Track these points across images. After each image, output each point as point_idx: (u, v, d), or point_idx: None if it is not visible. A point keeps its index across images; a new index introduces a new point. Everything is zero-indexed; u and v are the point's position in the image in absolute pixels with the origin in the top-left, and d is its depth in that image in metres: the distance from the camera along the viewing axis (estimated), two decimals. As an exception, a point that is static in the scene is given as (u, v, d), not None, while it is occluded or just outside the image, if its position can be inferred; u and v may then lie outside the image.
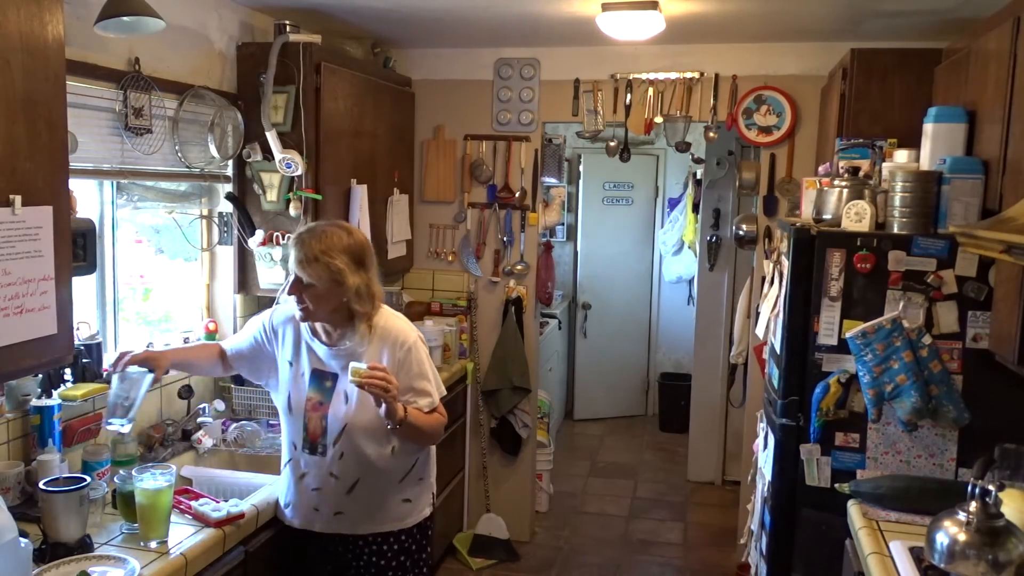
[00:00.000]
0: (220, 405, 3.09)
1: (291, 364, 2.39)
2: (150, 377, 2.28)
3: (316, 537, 2.39)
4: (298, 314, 2.29)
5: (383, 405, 2.17)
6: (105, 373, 2.42)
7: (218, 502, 2.28)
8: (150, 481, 2.11)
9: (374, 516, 2.35)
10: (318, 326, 2.35)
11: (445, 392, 2.45)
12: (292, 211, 3.16)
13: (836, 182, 2.72)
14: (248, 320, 2.60)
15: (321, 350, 2.36)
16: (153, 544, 2.08)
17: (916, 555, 2.04)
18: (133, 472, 2.17)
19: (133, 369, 2.27)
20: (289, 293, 2.25)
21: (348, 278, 2.22)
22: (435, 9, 3.33)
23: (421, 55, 4.25)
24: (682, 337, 6.56)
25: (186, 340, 3.10)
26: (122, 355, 2.31)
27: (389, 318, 2.38)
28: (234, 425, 3.01)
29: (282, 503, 2.43)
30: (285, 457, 2.41)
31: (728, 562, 4.24)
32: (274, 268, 3.18)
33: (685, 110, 3.96)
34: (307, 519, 2.38)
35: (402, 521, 2.38)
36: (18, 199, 1.82)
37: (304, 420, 2.34)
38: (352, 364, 2.17)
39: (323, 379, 2.33)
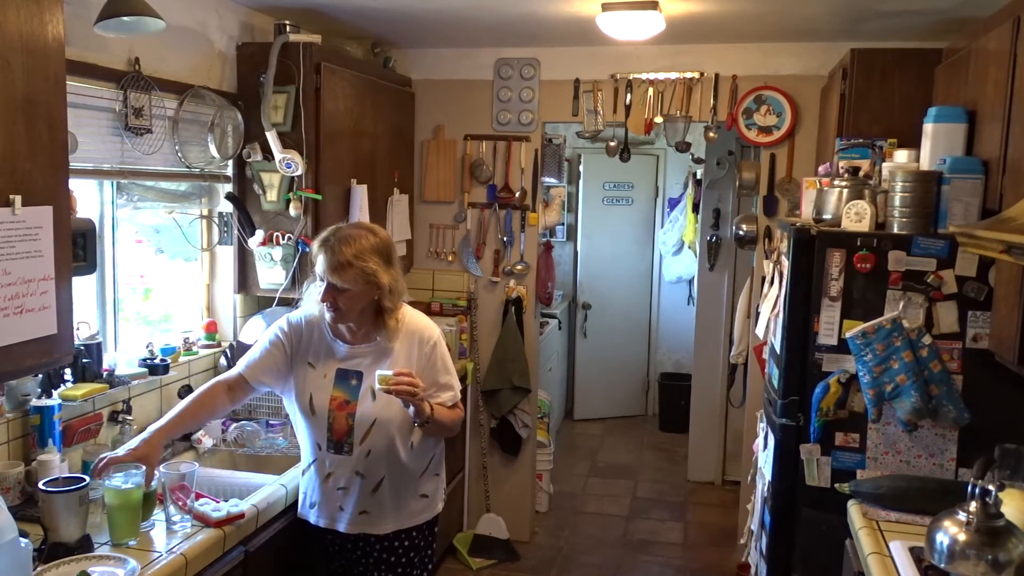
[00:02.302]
0: (220, 405, 3.09)
1: (312, 365, 2.39)
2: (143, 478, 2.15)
3: (335, 535, 2.42)
4: (329, 316, 2.32)
5: (411, 406, 2.24)
6: (93, 479, 2.14)
7: (218, 502, 2.28)
8: (123, 481, 2.10)
9: (396, 514, 2.39)
10: (340, 326, 2.37)
11: (462, 387, 2.52)
12: (292, 211, 3.16)
13: (836, 182, 2.72)
14: (247, 329, 2.61)
15: (343, 349, 2.38)
16: (131, 544, 2.07)
17: (916, 555, 2.04)
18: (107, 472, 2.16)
19: (133, 475, 2.12)
20: (323, 300, 2.27)
21: (382, 277, 2.26)
22: (435, 9, 3.33)
23: (421, 55, 4.25)
24: (682, 337, 6.56)
25: (186, 340, 3.10)
26: (102, 459, 2.15)
27: (412, 314, 2.44)
28: (234, 425, 3.01)
29: (307, 503, 2.46)
30: (308, 459, 2.42)
31: (728, 562, 4.24)
32: (274, 268, 3.18)
33: (685, 110, 3.96)
34: (332, 518, 2.40)
35: (418, 517, 2.44)
36: (18, 199, 1.82)
37: (329, 420, 2.34)
38: (378, 372, 2.21)
39: (348, 378, 2.35)
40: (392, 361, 2.34)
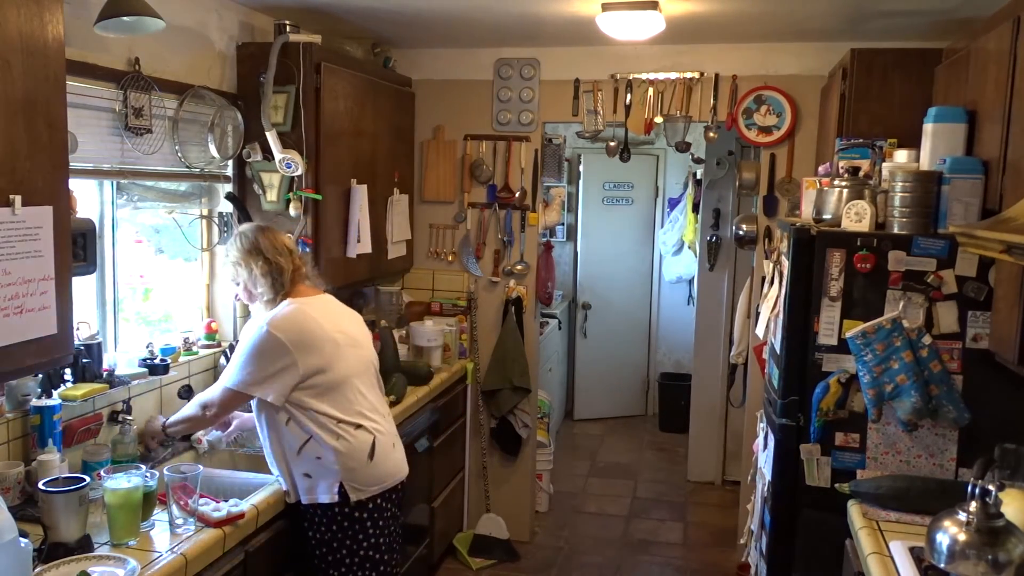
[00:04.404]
0: (220, 405, 3.09)
1: None
2: None
3: (293, 511, 2.57)
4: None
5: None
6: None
7: (218, 502, 2.28)
8: (123, 481, 2.10)
9: (289, 482, 2.51)
10: None
11: (249, 393, 2.45)
12: (292, 211, 3.16)
13: (836, 182, 2.72)
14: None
15: None
16: (131, 544, 2.08)
17: (916, 555, 2.04)
18: (102, 473, 2.17)
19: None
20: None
21: (244, 268, 2.54)
22: (435, 9, 3.33)
23: (421, 55, 4.25)
24: (682, 337, 6.57)
25: (186, 340, 3.10)
26: None
27: (288, 305, 2.53)
28: (234, 425, 3.00)
29: None
30: None
31: (728, 562, 4.24)
32: (274, 268, 3.18)
33: (685, 110, 3.96)
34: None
35: (306, 496, 2.49)
36: (18, 199, 1.82)
37: None
38: None
39: None
40: None
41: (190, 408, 2.60)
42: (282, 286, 2.54)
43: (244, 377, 2.44)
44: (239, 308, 3.36)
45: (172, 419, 2.62)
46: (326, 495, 2.47)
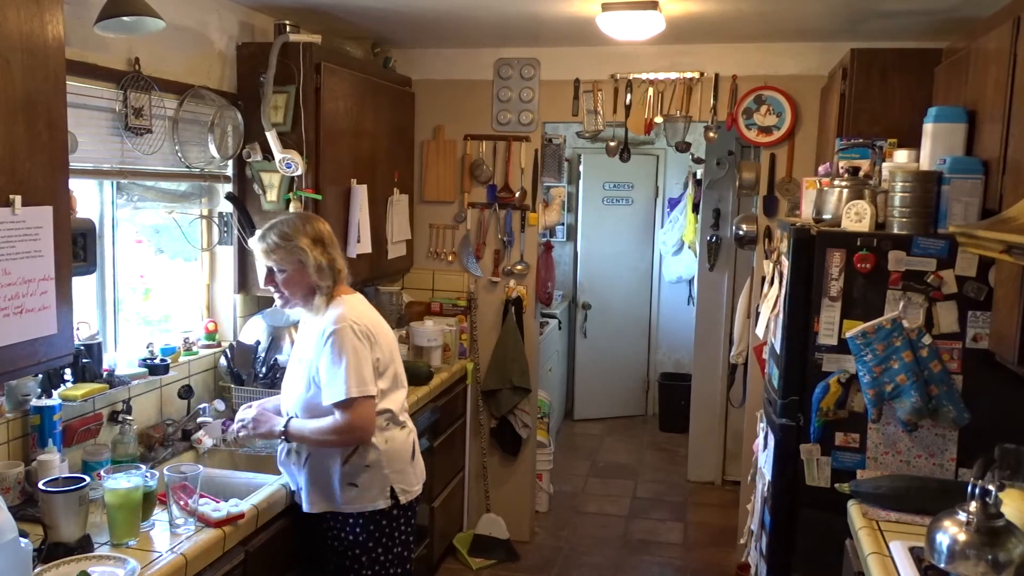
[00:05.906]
0: (220, 405, 3.08)
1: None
2: None
3: (306, 515, 2.52)
4: (278, 303, 2.49)
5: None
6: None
7: (218, 502, 2.28)
8: (123, 481, 2.11)
9: (323, 494, 2.45)
10: (301, 312, 2.53)
11: (372, 393, 2.36)
12: (292, 211, 3.16)
13: (836, 182, 2.72)
14: (247, 329, 2.76)
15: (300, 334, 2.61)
16: (131, 544, 2.08)
17: (916, 555, 2.04)
18: (102, 473, 2.18)
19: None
20: (265, 284, 2.45)
21: (310, 255, 2.38)
22: (435, 9, 3.33)
23: (421, 55, 4.25)
24: (682, 337, 6.57)
25: (186, 340, 3.11)
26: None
27: (342, 303, 2.45)
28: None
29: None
30: None
31: (728, 562, 4.24)
32: (274, 268, 3.18)
33: (685, 110, 3.96)
34: (298, 497, 2.52)
35: (350, 505, 2.45)
36: (18, 199, 1.82)
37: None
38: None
39: (295, 358, 2.55)
40: (302, 347, 2.49)
41: (318, 435, 2.39)
42: (335, 283, 2.44)
43: (359, 378, 2.32)
44: (239, 308, 3.36)
45: (297, 431, 2.43)
46: (379, 501, 2.45)
